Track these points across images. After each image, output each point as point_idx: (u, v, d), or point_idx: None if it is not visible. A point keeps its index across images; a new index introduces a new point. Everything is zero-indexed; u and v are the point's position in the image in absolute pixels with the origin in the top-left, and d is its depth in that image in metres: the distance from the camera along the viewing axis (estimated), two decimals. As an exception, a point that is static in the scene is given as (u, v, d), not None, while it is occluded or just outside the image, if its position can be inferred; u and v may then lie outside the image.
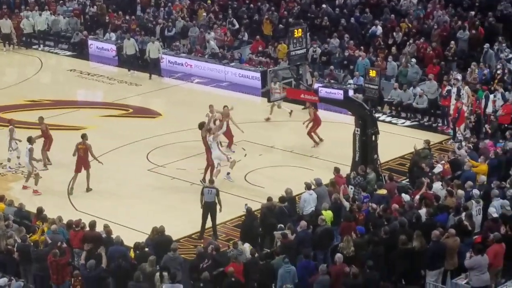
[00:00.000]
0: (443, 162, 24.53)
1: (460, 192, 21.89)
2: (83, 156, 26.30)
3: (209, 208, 23.11)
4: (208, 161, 26.39)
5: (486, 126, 29.10)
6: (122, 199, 25.37)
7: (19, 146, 27.67)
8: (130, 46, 38.73)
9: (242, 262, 19.48)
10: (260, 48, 38.21)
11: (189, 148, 28.62)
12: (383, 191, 22.55)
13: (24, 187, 26.56)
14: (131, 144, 29.40)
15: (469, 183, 22.31)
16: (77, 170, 26.37)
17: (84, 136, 26.58)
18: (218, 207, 23.09)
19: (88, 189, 26.32)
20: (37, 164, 26.74)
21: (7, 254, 20.64)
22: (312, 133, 29.07)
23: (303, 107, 31.17)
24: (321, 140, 29.08)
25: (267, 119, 31.59)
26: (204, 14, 41.89)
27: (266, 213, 22.00)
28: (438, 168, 24.15)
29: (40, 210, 22.33)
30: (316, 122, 29.09)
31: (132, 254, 20.22)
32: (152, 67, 38.13)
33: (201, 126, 26.77)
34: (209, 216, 23.17)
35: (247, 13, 41.44)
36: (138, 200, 25.59)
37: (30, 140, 26.91)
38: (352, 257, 19.46)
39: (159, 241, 20.56)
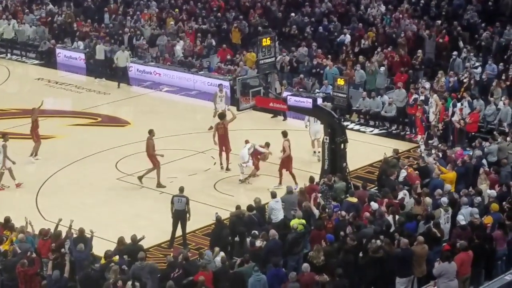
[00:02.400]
0: (406, 167, 24.67)
1: (428, 200, 22.05)
2: (223, 135, 27.62)
3: (179, 217, 23.13)
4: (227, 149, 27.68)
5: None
6: (90, 208, 25.24)
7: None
8: (100, 51, 38.62)
9: (212, 271, 19.48)
10: (228, 57, 38.25)
11: (158, 157, 28.54)
12: (354, 199, 22.64)
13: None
14: (100, 153, 29.28)
15: (439, 191, 22.47)
16: (221, 150, 27.69)
17: (151, 132, 27.06)
18: (187, 215, 23.11)
19: (159, 185, 26.72)
20: (8, 163, 26.56)
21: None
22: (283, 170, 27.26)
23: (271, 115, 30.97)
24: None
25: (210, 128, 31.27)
26: (172, 23, 41.86)
27: (235, 222, 22.01)
28: (403, 173, 24.30)
29: (7, 220, 22.10)
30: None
31: (103, 261, 20.13)
32: (120, 75, 38.05)
33: (222, 116, 28.05)
34: (179, 225, 23.18)
35: (215, 22, 41.47)
36: (106, 209, 25.49)
37: (4, 136, 26.92)
38: (322, 265, 19.51)
39: (131, 250, 20.47)
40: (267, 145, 27.50)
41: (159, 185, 26.88)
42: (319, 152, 27.64)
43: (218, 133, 28.03)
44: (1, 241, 21.44)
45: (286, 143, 26.80)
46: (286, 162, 26.66)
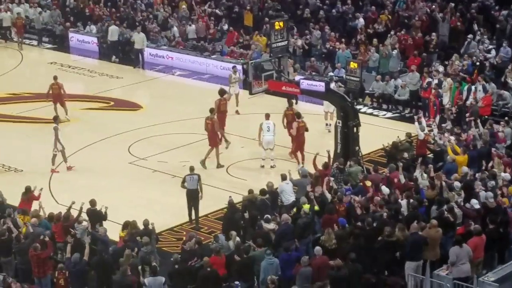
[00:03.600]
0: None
1: (443, 184, 21.93)
2: (211, 131, 26.89)
3: (192, 196, 23.28)
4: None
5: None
6: (103, 192, 25.26)
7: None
8: (113, 33, 38.53)
9: (224, 255, 19.48)
10: (235, 40, 38.11)
11: (171, 140, 28.56)
12: (368, 183, 22.57)
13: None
14: (112, 137, 29.30)
15: (455, 175, 22.39)
16: (212, 145, 26.90)
17: (212, 111, 27.20)
18: (200, 194, 23.27)
19: (219, 165, 26.85)
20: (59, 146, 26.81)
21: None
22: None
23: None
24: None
25: (237, 112, 31.48)
26: (184, 6, 41.74)
27: (247, 206, 21.98)
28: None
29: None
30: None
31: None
32: (136, 57, 38.05)
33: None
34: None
35: (227, 5, 41.33)
36: (119, 193, 25.51)
37: (55, 119, 27.24)
38: (334, 249, 19.47)
39: (143, 234, 20.49)
40: (298, 116, 27.15)
41: (219, 165, 26.94)
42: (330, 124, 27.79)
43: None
44: (25, 212, 21.64)
45: (295, 124, 26.77)
46: (298, 143, 26.65)
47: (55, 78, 31.50)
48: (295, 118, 27.10)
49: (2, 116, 32.17)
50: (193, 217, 23.49)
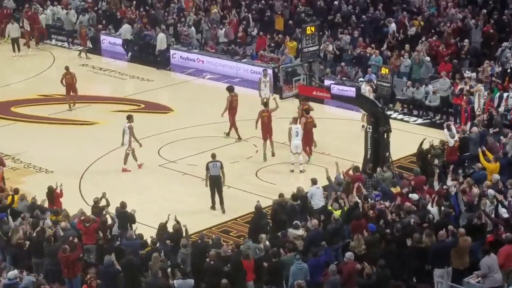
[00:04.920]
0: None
1: (475, 190, 21.80)
2: (267, 123, 27.81)
3: (215, 182, 24.29)
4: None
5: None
6: (133, 194, 25.38)
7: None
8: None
9: (253, 258, 19.48)
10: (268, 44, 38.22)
11: (201, 144, 28.62)
12: (397, 189, 22.48)
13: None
14: (142, 140, 29.36)
15: (487, 182, 22.28)
16: (265, 138, 27.77)
17: (266, 105, 28.32)
18: (222, 179, 24.25)
19: (273, 154, 27.92)
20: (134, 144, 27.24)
21: (18, 248, 20.77)
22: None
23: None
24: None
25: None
26: (216, 10, 41.83)
27: (277, 210, 21.98)
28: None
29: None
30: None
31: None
32: (160, 59, 38.40)
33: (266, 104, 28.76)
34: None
35: (258, 9, 41.40)
36: (148, 195, 25.61)
37: (129, 118, 27.59)
38: (363, 255, 19.42)
39: (173, 236, 20.57)
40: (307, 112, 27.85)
41: (273, 154, 28.10)
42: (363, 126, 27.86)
43: (262, 120, 28.03)
44: (57, 213, 21.85)
45: (303, 119, 27.41)
46: (306, 139, 27.25)
47: (67, 68, 33.10)
48: (303, 114, 27.61)
49: (34, 118, 32.43)
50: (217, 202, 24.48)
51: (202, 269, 19.29)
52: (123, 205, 22.05)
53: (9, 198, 22.89)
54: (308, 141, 27.47)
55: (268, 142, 28.05)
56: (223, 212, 24.39)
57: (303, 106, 28.32)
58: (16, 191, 23.51)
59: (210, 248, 19.79)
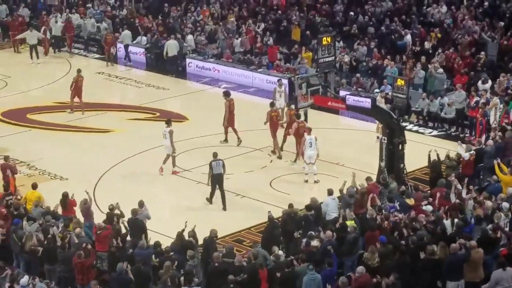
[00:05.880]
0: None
1: (489, 203, 21.73)
2: (275, 122, 28.70)
3: (218, 180, 25.15)
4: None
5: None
6: (147, 202, 25.38)
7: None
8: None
9: (266, 268, 19.47)
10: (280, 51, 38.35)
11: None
12: (412, 201, 22.43)
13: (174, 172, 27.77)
14: (158, 148, 29.44)
15: (501, 195, 22.21)
16: (273, 136, 28.59)
17: (272, 105, 29.34)
18: (225, 177, 25.16)
19: (279, 156, 28.61)
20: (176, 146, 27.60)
21: (31, 254, 20.82)
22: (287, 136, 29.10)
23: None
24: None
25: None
26: (232, 19, 41.95)
27: (286, 220, 21.99)
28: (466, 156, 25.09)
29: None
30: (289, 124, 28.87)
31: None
32: (170, 64, 38.47)
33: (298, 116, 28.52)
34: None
35: (274, 20, 41.48)
36: (163, 204, 25.66)
37: (169, 122, 27.87)
38: (377, 267, 19.36)
39: (186, 246, 20.59)
40: (298, 117, 28.42)
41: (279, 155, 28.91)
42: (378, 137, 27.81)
43: (271, 120, 28.87)
44: (71, 219, 21.94)
45: (295, 124, 27.91)
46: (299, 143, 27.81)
47: (78, 71, 33.84)
48: (294, 119, 28.12)
49: (50, 125, 32.56)
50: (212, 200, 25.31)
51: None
52: (134, 212, 22.04)
53: (27, 193, 23.57)
54: (301, 145, 27.88)
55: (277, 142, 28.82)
56: (224, 209, 25.14)
57: (291, 112, 28.82)
58: (34, 186, 23.91)
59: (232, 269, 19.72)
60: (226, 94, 30.61)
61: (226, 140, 30.08)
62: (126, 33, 41.45)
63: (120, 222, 21.82)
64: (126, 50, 41.14)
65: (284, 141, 29.01)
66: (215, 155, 25.53)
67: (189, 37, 40.29)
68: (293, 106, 29.12)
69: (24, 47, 42.56)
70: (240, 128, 30.20)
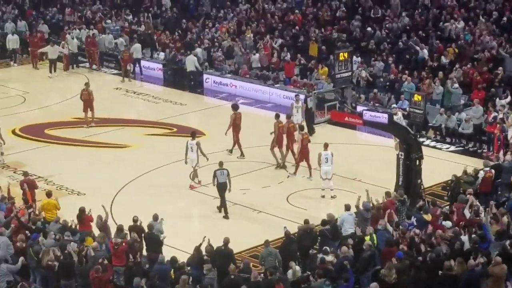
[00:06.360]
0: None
1: (505, 219, 21.61)
2: (281, 134, 29.03)
3: (223, 188, 25.68)
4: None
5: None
6: (164, 217, 25.40)
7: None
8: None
9: (282, 283, 19.40)
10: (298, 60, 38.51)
11: (232, 168, 28.58)
12: (429, 216, 22.34)
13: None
14: (175, 163, 29.49)
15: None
16: (280, 146, 29.00)
17: (278, 116, 29.52)
18: (228, 187, 25.52)
19: (283, 166, 28.93)
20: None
21: (48, 270, 20.84)
22: (275, 149, 29.43)
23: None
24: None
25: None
26: (250, 35, 42.05)
27: (302, 235, 21.95)
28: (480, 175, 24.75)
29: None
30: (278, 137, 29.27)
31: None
32: (188, 80, 38.53)
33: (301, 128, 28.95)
34: None
35: (291, 35, 41.55)
36: (179, 219, 25.66)
37: (194, 135, 28.28)
38: (394, 284, 19.26)
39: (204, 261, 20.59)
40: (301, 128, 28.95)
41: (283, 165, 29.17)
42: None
43: (278, 131, 29.07)
44: (89, 234, 22.17)
45: (299, 136, 28.19)
46: (302, 153, 28.06)
47: (86, 84, 34.35)
48: (292, 131, 28.87)
49: (67, 140, 32.70)
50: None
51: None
52: (150, 226, 22.10)
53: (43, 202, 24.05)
54: (304, 156, 28.12)
55: (284, 151, 29.05)
56: (227, 217, 25.49)
57: (289, 124, 29.19)
58: (48, 194, 24.31)
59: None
60: (234, 107, 31.01)
61: (242, 155, 30.10)
62: (136, 46, 41.76)
63: (131, 235, 21.85)
64: (134, 64, 41.34)
65: (289, 154, 29.23)
66: (220, 164, 25.96)
67: (198, 50, 40.43)
68: (293, 119, 29.83)
69: (43, 64, 42.82)
70: (257, 144, 30.19)
